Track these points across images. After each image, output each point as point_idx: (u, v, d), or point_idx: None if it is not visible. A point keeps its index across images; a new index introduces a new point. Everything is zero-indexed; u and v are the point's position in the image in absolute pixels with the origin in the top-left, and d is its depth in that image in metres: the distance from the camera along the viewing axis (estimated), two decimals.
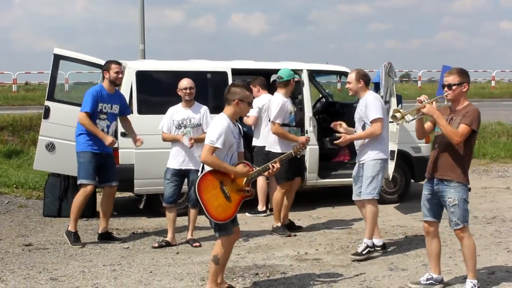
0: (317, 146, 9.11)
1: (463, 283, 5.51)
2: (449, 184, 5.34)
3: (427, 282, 5.58)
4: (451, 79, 5.33)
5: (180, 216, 7.44)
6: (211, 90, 8.85)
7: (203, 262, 6.47)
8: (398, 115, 5.46)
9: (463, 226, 5.36)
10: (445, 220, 5.59)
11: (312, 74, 10.15)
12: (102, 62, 8.46)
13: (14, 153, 12.46)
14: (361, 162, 6.72)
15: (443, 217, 5.61)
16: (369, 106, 6.61)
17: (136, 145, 7.48)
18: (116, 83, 7.40)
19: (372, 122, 6.58)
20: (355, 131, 6.83)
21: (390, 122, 7.06)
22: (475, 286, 5.37)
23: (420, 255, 6.60)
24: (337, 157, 10.07)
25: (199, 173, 5.26)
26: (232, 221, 5.29)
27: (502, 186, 10.94)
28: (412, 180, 9.71)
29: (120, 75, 7.42)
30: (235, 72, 8.95)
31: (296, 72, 8.58)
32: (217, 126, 5.19)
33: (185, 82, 7.19)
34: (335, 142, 6.85)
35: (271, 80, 9.47)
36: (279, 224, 7.74)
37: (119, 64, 7.51)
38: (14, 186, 10.26)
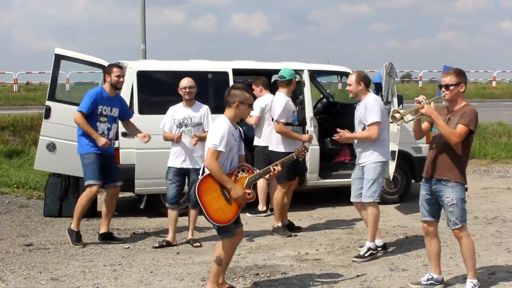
0: (318, 146, 9.11)
1: (463, 283, 5.51)
2: (447, 184, 5.36)
3: (428, 282, 5.59)
4: (448, 79, 5.35)
5: (180, 216, 7.44)
6: (212, 90, 8.85)
7: (204, 262, 6.47)
8: (397, 115, 5.48)
9: (461, 226, 5.37)
10: (444, 221, 5.58)
11: (313, 74, 10.14)
12: (103, 62, 8.50)
13: (15, 153, 12.47)
14: (361, 165, 6.72)
15: (442, 217, 5.62)
16: (368, 109, 6.61)
17: (144, 141, 7.43)
18: (117, 86, 7.41)
19: (369, 125, 6.59)
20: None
21: (391, 122, 7.06)
22: (476, 286, 5.38)
23: (421, 255, 6.60)
24: (338, 157, 10.07)
25: (200, 176, 5.24)
26: (235, 222, 5.27)
27: (503, 187, 10.93)
28: (413, 181, 9.71)
29: (122, 79, 7.42)
30: (236, 72, 8.96)
31: (297, 72, 8.58)
32: (218, 129, 5.16)
33: (185, 82, 7.20)
34: (333, 138, 6.86)
35: (272, 80, 9.47)
36: (279, 224, 7.74)
37: (121, 68, 7.53)
38: (15, 186, 10.26)
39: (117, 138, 7.98)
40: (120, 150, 8.17)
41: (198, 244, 7.23)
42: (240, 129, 5.45)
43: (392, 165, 8.50)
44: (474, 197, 9.90)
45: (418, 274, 5.96)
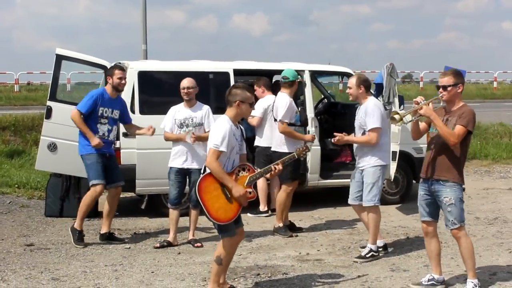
0: (319, 147, 9.11)
1: (464, 284, 5.51)
2: (445, 184, 5.38)
3: (429, 283, 5.59)
4: (446, 80, 5.36)
5: (181, 216, 7.44)
6: (213, 91, 8.84)
7: (205, 262, 6.47)
8: (396, 116, 5.50)
9: (460, 226, 5.39)
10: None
11: (314, 74, 10.14)
12: (104, 63, 8.50)
13: (16, 153, 12.48)
14: (360, 168, 6.72)
15: (440, 217, 5.62)
16: (369, 114, 6.62)
17: (148, 133, 7.35)
18: (118, 89, 7.39)
19: (369, 131, 6.59)
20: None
21: (391, 123, 7.06)
22: (476, 286, 5.38)
23: (422, 256, 6.60)
24: (339, 157, 10.06)
25: (201, 174, 5.25)
26: (236, 222, 5.27)
27: (504, 187, 10.93)
28: (414, 181, 9.70)
29: (124, 81, 7.40)
30: (237, 72, 8.96)
31: (298, 72, 8.57)
32: (219, 129, 5.16)
33: (185, 82, 7.20)
34: (332, 140, 6.87)
35: (273, 80, 9.46)
36: (281, 225, 7.74)
37: (123, 70, 7.51)
38: (16, 186, 10.27)
39: (118, 139, 7.98)
40: (121, 151, 8.17)
41: (199, 244, 7.23)
42: (242, 128, 5.45)
43: (393, 166, 8.50)
44: (475, 198, 9.90)
45: (419, 274, 5.96)
